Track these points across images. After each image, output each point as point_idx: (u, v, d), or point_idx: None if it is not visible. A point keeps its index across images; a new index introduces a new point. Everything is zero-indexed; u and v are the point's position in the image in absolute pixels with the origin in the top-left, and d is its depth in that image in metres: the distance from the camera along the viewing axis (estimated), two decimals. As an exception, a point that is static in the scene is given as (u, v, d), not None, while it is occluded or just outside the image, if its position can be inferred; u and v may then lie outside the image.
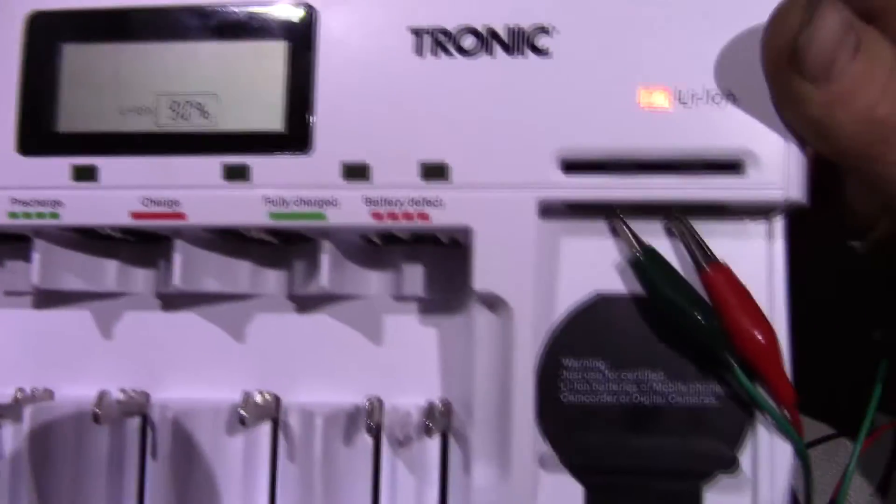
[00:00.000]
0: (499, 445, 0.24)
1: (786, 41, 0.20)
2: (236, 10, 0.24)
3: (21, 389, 0.27)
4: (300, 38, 0.24)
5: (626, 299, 0.24)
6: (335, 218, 0.23)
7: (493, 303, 0.23)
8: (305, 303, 0.27)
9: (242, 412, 0.25)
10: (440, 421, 0.25)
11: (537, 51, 0.23)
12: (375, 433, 0.26)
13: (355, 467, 0.26)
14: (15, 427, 0.27)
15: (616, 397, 0.24)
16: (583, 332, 0.24)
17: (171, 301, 0.27)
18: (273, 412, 0.27)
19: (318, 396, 0.27)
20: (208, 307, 0.27)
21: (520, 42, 0.23)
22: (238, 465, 0.27)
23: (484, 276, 0.23)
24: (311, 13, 0.24)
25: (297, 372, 0.27)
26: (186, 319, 0.27)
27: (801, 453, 0.22)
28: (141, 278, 0.27)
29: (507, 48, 0.23)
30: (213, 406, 0.26)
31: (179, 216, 0.24)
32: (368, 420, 0.25)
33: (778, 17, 0.21)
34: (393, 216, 0.23)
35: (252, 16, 0.24)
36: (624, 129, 0.23)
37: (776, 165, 0.22)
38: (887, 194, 0.21)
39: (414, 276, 0.26)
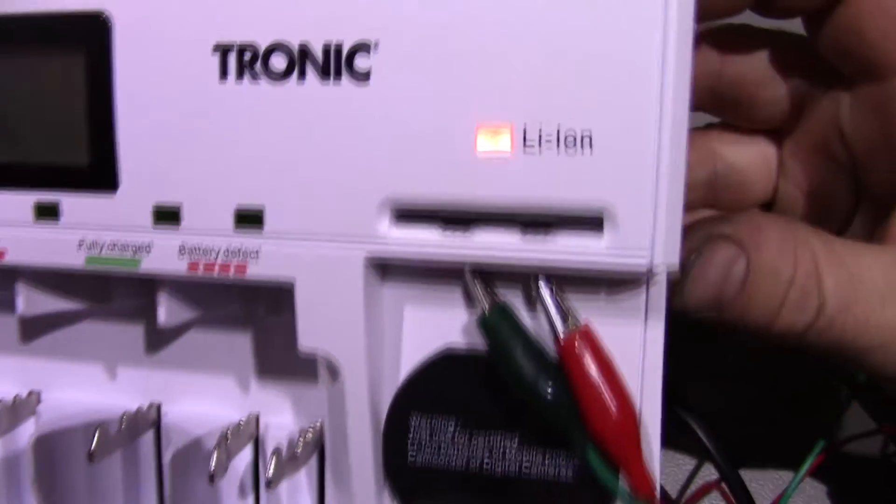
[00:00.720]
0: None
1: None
2: (23, 18, 0.21)
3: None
4: (95, 55, 0.20)
5: (480, 356, 0.21)
6: (149, 265, 0.21)
7: (325, 362, 0.21)
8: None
9: (93, 448, 0.24)
10: (291, 465, 0.24)
11: (356, 75, 0.19)
12: (254, 452, 0.25)
13: (225, 490, 0.25)
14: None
15: (466, 462, 0.21)
16: (431, 390, 0.21)
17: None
18: (154, 422, 0.27)
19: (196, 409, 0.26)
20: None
21: (336, 64, 0.19)
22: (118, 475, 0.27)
23: (308, 334, 0.20)
24: (102, 22, 0.20)
25: (176, 386, 0.26)
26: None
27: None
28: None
29: (322, 72, 0.19)
30: (86, 422, 0.26)
31: (-1, 255, 0.22)
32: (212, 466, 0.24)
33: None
34: (209, 267, 0.21)
35: (41, 25, 0.20)
36: (459, 176, 0.19)
37: (641, 226, 0.18)
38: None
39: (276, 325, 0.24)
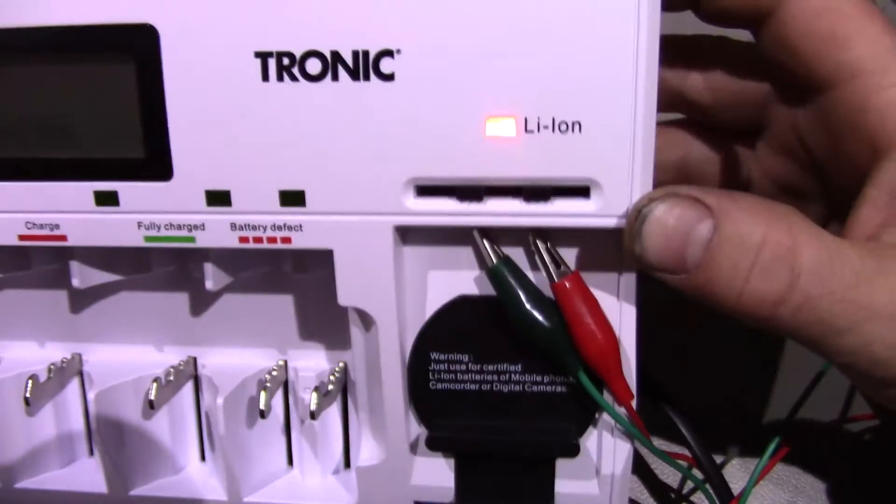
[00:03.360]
0: (380, 426, 0.27)
1: (628, 248, 0.22)
2: (80, 28, 0.23)
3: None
4: (146, 61, 0.23)
5: (487, 300, 0.25)
6: (204, 241, 0.24)
7: (360, 314, 0.25)
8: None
9: (151, 397, 0.28)
10: (327, 399, 0.28)
11: (382, 75, 0.22)
12: (284, 395, 0.29)
13: (266, 427, 0.30)
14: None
15: (479, 386, 0.26)
16: (448, 330, 0.26)
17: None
18: (192, 373, 0.30)
19: (230, 360, 0.30)
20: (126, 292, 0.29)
21: (365, 66, 0.22)
22: (165, 419, 0.30)
23: (347, 294, 0.25)
24: (151, 33, 0.23)
25: (211, 336, 0.30)
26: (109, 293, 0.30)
27: (641, 441, 0.25)
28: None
29: (353, 73, 0.22)
30: (136, 378, 0.29)
31: (61, 238, 0.25)
32: (262, 405, 0.28)
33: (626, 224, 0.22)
34: (258, 240, 0.24)
35: (95, 35, 0.23)
36: (472, 156, 0.23)
37: (621, 193, 0.22)
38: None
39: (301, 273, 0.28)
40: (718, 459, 0.33)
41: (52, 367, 0.29)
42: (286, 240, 0.24)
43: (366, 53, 0.22)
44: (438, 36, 0.22)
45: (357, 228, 0.24)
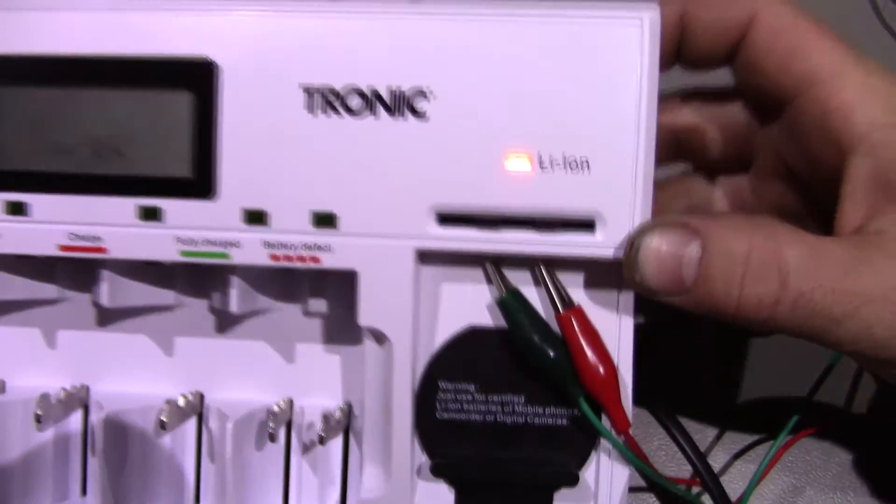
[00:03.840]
0: (385, 453, 0.28)
1: (629, 278, 0.24)
2: (148, 60, 0.26)
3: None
4: (203, 91, 0.26)
5: (496, 332, 0.27)
6: (238, 258, 0.26)
7: (377, 336, 0.27)
8: (226, 316, 0.30)
9: (163, 418, 0.28)
10: (335, 429, 0.29)
11: (416, 114, 0.25)
12: (286, 431, 0.30)
13: (267, 462, 0.30)
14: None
15: (483, 416, 0.27)
16: (457, 360, 0.27)
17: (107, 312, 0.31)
18: (198, 409, 0.31)
19: (238, 396, 0.31)
20: (140, 319, 0.31)
21: (400, 105, 0.25)
22: (165, 458, 0.31)
23: (368, 313, 0.26)
24: (210, 67, 0.26)
25: (220, 374, 0.31)
26: (123, 327, 0.31)
27: (640, 467, 0.26)
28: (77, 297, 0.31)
29: (390, 110, 0.25)
30: (144, 405, 0.30)
31: (101, 250, 0.27)
32: (272, 425, 0.29)
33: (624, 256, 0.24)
34: (289, 258, 0.26)
35: (159, 67, 0.26)
36: (491, 189, 0.25)
37: (623, 227, 0.25)
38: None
39: (319, 305, 0.29)
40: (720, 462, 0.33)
41: (63, 390, 0.30)
42: (315, 259, 0.26)
43: (402, 94, 0.25)
44: (467, 82, 0.25)
45: (382, 251, 0.26)
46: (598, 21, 0.25)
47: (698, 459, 0.29)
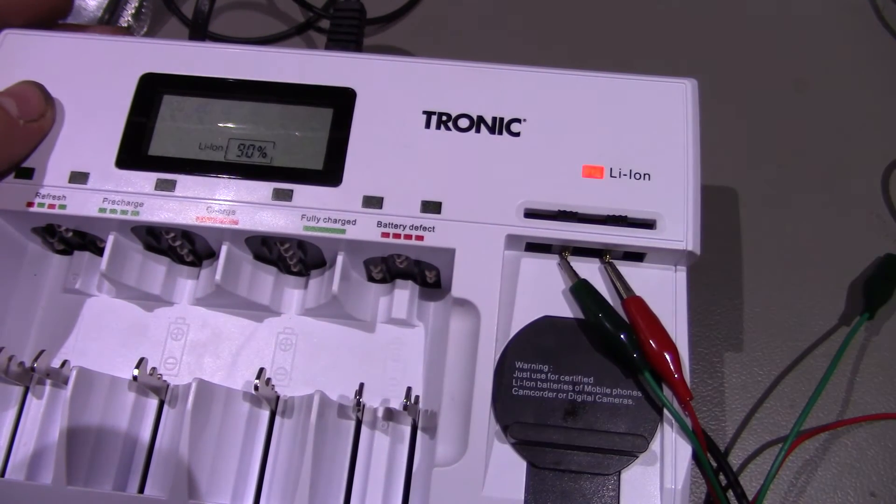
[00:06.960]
0: (460, 428, 0.30)
1: None
2: (301, 85, 0.33)
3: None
4: (343, 108, 0.33)
5: (567, 320, 0.31)
6: (352, 234, 0.31)
7: (467, 308, 0.31)
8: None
9: (256, 381, 0.30)
10: (413, 408, 0.31)
11: (511, 133, 0.32)
12: (358, 417, 0.32)
13: (341, 444, 0.31)
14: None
15: (556, 394, 0.30)
16: (533, 343, 0.31)
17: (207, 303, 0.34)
18: (272, 400, 0.33)
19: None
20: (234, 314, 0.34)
21: (500, 126, 0.32)
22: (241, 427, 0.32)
23: (461, 286, 0.30)
24: (352, 93, 0.33)
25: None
26: (217, 319, 0.34)
27: (692, 439, 0.29)
28: (180, 287, 0.34)
29: (491, 129, 0.32)
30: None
31: (233, 222, 0.31)
32: (357, 410, 0.31)
33: None
34: (397, 236, 0.31)
35: (315, 91, 0.33)
36: (570, 192, 0.31)
37: (679, 226, 0.31)
38: None
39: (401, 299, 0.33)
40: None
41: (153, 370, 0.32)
42: (419, 237, 0.31)
43: (501, 119, 0.32)
44: (553, 111, 0.33)
45: (477, 233, 0.31)
46: (659, 83, 0.33)
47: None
